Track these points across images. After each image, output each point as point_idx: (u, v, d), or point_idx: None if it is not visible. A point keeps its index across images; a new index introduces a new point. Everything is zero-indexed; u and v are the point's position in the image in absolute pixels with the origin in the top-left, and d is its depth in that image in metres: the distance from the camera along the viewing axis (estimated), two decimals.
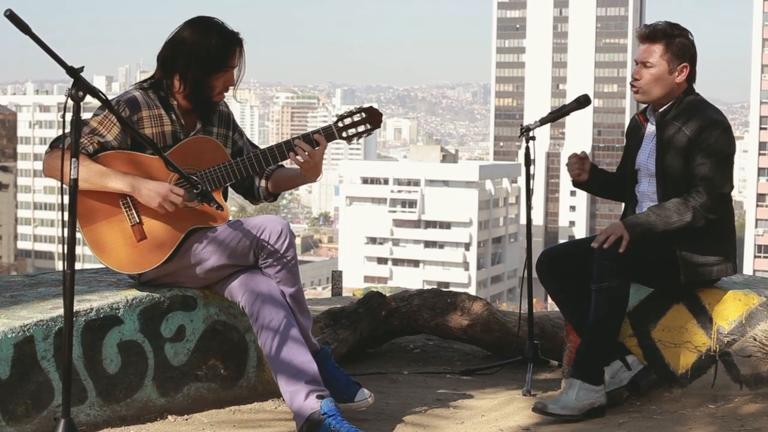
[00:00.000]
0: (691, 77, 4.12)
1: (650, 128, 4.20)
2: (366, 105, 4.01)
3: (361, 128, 3.93)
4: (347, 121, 3.92)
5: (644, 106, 4.27)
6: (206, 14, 3.93)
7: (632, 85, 4.17)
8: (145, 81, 3.91)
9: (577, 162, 4.36)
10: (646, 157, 4.18)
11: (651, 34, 4.09)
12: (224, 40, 3.80)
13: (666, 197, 4.07)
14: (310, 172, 3.89)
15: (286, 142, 3.88)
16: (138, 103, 3.81)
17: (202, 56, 3.76)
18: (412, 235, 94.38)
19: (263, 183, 4.05)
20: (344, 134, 3.91)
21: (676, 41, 4.07)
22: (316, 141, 3.84)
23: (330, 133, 3.88)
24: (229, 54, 3.80)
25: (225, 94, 3.92)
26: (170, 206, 3.67)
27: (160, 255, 3.75)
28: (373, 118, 3.94)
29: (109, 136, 3.75)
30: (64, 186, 3.12)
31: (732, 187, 4.08)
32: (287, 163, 4.02)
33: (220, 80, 3.84)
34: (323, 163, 3.94)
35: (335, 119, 3.93)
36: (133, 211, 3.75)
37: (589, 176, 4.39)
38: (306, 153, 3.82)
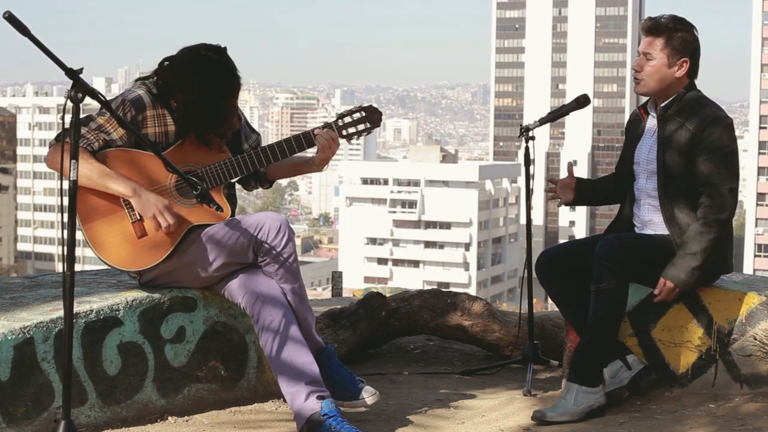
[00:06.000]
0: (692, 72, 4.10)
1: (651, 122, 4.18)
2: (366, 104, 4.02)
3: (360, 127, 3.94)
4: (347, 119, 3.94)
5: (645, 99, 4.26)
6: (209, 41, 3.87)
7: (635, 78, 4.17)
8: (147, 78, 3.89)
9: (550, 190, 4.43)
10: (646, 153, 4.16)
11: (653, 27, 4.08)
12: (223, 94, 3.78)
13: (667, 194, 4.05)
14: (323, 162, 3.91)
15: (286, 140, 3.87)
16: (143, 103, 3.80)
17: (199, 112, 3.76)
18: (412, 236, 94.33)
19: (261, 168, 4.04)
20: (344, 132, 3.93)
21: (677, 35, 4.05)
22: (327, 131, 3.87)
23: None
24: (227, 105, 3.80)
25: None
26: (163, 221, 3.66)
27: (160, 252, 3.75)
28: (372, 117, 3.94)
29: (114, 135, 3.75)
30: (64, 187, 3.11)
31: (738, 180, 4.05)
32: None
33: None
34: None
35: (335, 118, 3.94)
36: (134, 208, 3.74)
37: (576, 193, 4.40)
38: (325, 140, 3.85)
